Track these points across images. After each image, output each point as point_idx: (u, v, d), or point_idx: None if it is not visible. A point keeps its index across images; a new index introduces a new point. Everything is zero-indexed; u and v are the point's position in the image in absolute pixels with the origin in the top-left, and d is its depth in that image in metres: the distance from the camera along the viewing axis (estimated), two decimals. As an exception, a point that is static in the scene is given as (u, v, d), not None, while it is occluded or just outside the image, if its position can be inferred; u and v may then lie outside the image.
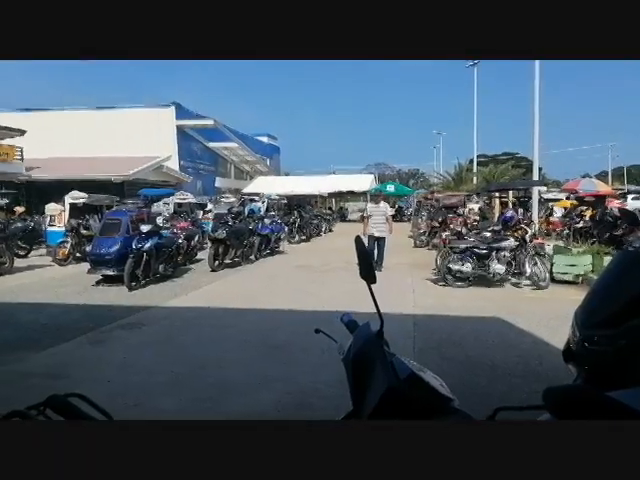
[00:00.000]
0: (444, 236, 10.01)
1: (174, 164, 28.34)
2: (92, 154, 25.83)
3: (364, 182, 33.34)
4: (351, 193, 33.25)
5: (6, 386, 4.06)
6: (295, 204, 21.07)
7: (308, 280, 9.32)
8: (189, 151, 30.74)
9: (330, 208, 31.48)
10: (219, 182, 33.36)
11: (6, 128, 22.43)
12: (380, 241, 10.22)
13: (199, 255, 12.28)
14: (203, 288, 8.62)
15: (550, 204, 19.15)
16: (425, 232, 15.39)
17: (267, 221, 13.76)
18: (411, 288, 8.30)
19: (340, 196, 35.44)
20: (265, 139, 44.92)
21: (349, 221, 30.78)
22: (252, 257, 12.08)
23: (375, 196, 11.76)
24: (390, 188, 31.68)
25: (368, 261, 1.81)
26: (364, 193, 32.27)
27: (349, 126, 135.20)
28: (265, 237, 12.95)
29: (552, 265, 8.59)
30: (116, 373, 4.37)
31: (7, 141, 21.72)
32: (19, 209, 15.57)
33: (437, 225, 14.70)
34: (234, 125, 35.04)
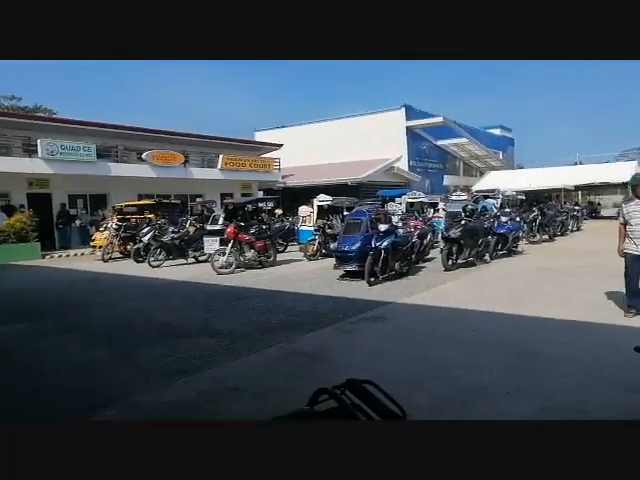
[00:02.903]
0: None
1: (404, 164, 29.27)
2: (332, 160, 28.78)
3: (621, 171, 27.83)
4: (605, 185, 28.29)
5: (282, 361, 4.83)
6: (534, 199, 19.10)
7: (551, 284, 8.29)
8: (418, 150, 31.27)
9: (577, 203, 27.51)
10: (447, 180, 32.96)
11: (269, 144, 27.01)
12: None
13: (430, 254, 12.33)
14: (437, 287, 8.58)
15: None
16: None
17: (504, 219, 12.85)
18: None
19: (590, 189, 30.63)
20: (498, 131, 42.28)
21: (602, 218, 26.32)
22: (487, 257, 11.46)
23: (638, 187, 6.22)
24: (661, 176, 25.57)
25: None
26: (623, 184, 27.07)
27: (597, 106, 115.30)
28: (501, 236, 12.13)
29: None
30: (367, 361, 4.69)
31: (268, 154, 26.08)
32: (278, 212, 18.45)
33: None
34: (466, 120, 34.06)
